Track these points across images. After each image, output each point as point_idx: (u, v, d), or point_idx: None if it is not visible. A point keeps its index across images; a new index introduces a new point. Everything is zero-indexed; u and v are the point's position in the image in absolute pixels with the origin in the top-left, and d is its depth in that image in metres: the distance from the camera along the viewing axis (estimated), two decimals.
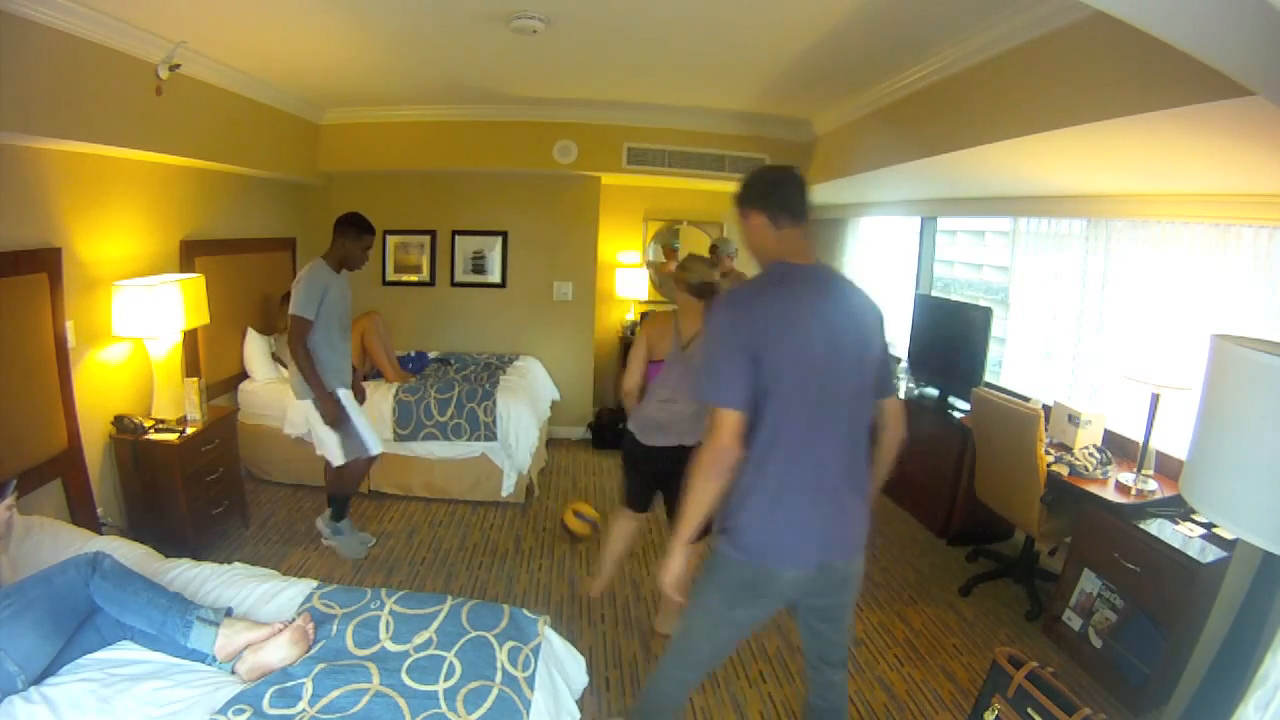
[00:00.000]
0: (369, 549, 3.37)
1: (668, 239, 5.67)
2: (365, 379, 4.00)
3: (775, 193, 1.60)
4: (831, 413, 1.54)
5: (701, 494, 1.52)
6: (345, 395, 3.16)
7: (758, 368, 1.48)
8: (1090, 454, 2.89)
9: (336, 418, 3.08)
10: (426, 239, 5.15)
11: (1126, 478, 2.73)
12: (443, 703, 1.57)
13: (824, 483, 1.55)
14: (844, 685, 1.84)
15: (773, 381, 1.49)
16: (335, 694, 1.57)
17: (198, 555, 2.59)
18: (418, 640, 1.80)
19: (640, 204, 5.68)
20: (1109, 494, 2.67)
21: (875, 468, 1.71)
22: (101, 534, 2.43)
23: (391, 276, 5.19)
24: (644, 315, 2.68)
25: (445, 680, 1.64)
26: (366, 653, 1.75)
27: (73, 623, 1.67)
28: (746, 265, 5.51)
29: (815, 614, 1.72)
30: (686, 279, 2.47)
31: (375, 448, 3.23)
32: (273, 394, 3.97)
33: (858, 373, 1.58)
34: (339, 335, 3.13)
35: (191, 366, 3.52)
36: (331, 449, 3.14)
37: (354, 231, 3.05)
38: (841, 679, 1.82)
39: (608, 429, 5.03)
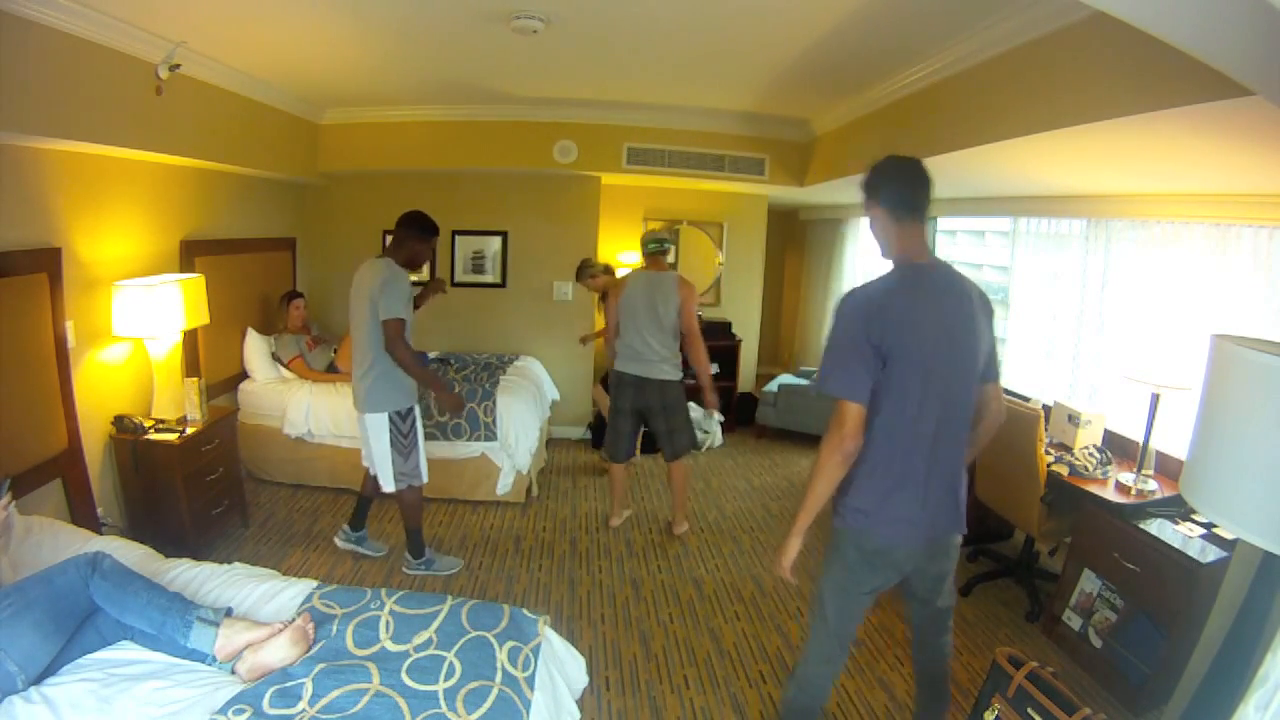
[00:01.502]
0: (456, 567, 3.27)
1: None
2: None
3: (899, 186, 1.70)
4: (945, 404, 1.64)
5: (824, 483, 1.62)
6: (419, 415, 3.07)
7: (883, 364, 1.57)
8: (1090, 454, 2.89)
9: (460, 405, 3.10)
10: None
11: (1126, 478, 2.73)
12: (443, 703, 1.57)
13: (935, 470, 1.66)
14: (950, 647, 1.96)
15: (895, 377, 1.58)
16: (335, 694, 1.57)
17: (198, 555, 2.59)
18: (418, 640, 1.80)
19: (640, 204, 5.69)
20: (1109, 494, 2.67)
21: (970, 447, 1.79)
22: (101, 534, 2.43)
23: None
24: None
25: (445, 680, 1.64)
26: (366, 653, 1.75)
27: (73, 623, 1.67)
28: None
29: (927, 582, 1.82)
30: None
31: (425, 475, 3.12)
32: (273, 394, 3.97)
33: (970, 365, 1.68)
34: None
35: (191, 366, 3.52)
36: (385, 471, 2.99)
37: (424, 233, 2.95)
38: (949, 641, 1.94)
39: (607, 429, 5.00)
